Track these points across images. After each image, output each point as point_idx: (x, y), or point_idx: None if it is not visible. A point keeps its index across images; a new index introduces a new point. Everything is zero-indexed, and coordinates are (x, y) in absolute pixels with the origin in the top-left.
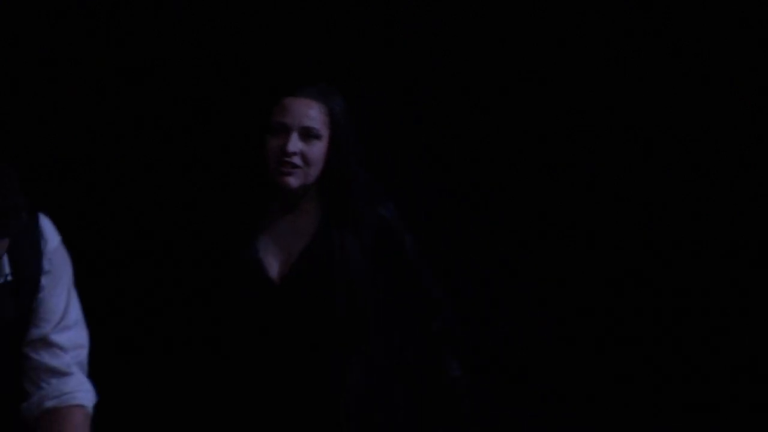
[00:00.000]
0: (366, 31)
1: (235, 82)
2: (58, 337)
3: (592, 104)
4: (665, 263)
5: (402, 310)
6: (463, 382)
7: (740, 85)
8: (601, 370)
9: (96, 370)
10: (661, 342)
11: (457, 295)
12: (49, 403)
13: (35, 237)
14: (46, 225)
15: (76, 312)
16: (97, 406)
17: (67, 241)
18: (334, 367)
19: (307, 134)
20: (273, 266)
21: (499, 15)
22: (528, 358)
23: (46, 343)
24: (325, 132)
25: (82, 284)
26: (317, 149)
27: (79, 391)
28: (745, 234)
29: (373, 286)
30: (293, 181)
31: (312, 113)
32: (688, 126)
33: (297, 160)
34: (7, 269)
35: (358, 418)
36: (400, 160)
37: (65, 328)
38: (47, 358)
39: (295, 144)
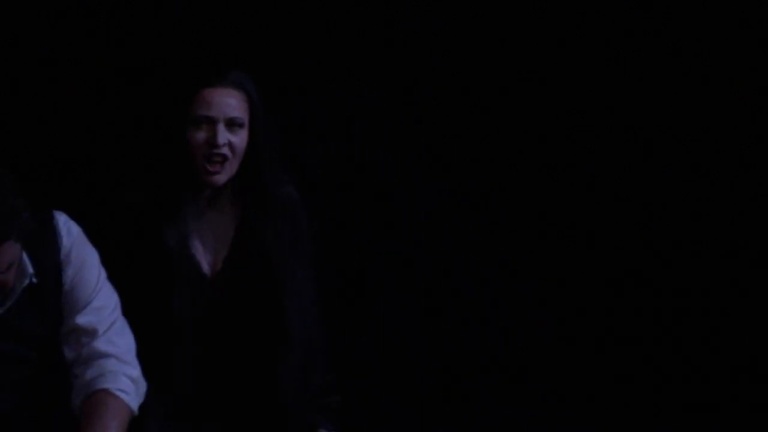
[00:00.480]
0: (365, 30)
1: (151, 74)
2: (84, 322)
3: (591, 104)
4: (665, 263)
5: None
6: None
7: (740, 85)
8: (601, 370)
9: None
10: (661, 342)
11: (457, 295)
12: (81, 395)
13: (52, 234)
14: (62, 221)
15: (105, 298)
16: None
17: None
18: (269, 360)
19: (232, 124)
20: (204, 261)
21: (499, 15)
22: (528, 358)
23: (77, 332)
24: (246, 120)
25: None
26: (242, 138)
27: (107, 374)
28: (746, 234)
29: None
30: (222, 177)
31: (234, 102)
32: (688, 126)
33: (226, 151)
34: (30, 269)
35: (295, 411)
36: (400, 160)
37: (92, 312)
38: (78, 347)
39: (223, 135)
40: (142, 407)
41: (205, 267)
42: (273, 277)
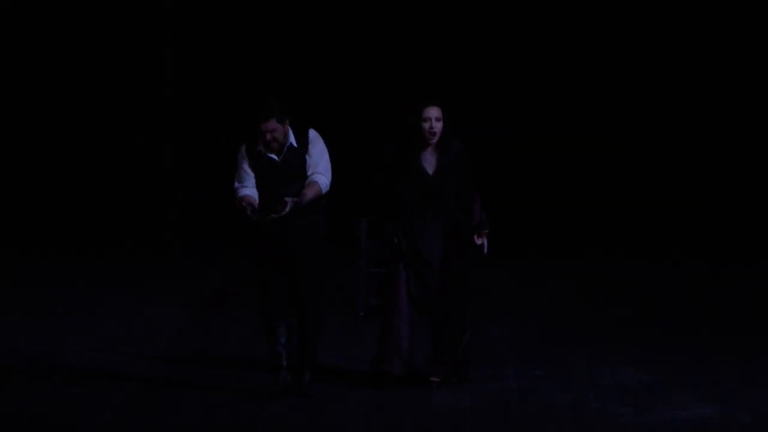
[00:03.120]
0: None
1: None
2: (312, 168)
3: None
4: None
5: None
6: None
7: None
8: None
9: None
10: None
11: None
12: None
13: (305, 133)
14: (311, 130)
15: (324, 165)
16: None
17: None
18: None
19: (438, 120)
20: (429, 169)
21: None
22: None
23: (308, 168)
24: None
25: None
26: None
27: (317, 177)
28: None
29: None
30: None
31: (437, 112)
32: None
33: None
34: (292, 140)
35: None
36: None
37: (315, 166)
38: (310, 173)
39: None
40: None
41: (430, 171)
42: (451, 174)
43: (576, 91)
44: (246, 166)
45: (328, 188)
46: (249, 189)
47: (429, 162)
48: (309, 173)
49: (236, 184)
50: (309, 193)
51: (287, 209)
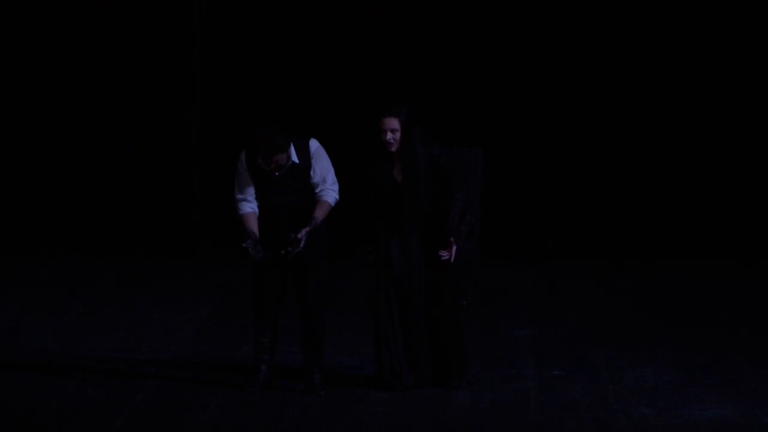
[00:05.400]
0: None
1: None
2: (320, 185)
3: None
4: None
5: None
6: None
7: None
8: None
9: None
10: None
11: None
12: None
13: (306, 146)
14: (312, 142)
15: (331, 179)
16: None
17: None
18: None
19: (393, 130)
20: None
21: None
22: None
23: (316, 185)
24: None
25: None
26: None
27: (327, 195)
28: None
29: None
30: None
31: (395, 123)
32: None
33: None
34: (294, 157)
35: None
36: None
37: (323, 182)
38: (314, 187)
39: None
40: None
41: (399, 179)
42: (421, 182)
43: (600, 89)
44: (246, 177)
45: (337, 199)
46: (250, 204)
47: (398, 171)
48: (317, 190)
49: (237, 195)
50: (320, 215)
51: (302, 245)
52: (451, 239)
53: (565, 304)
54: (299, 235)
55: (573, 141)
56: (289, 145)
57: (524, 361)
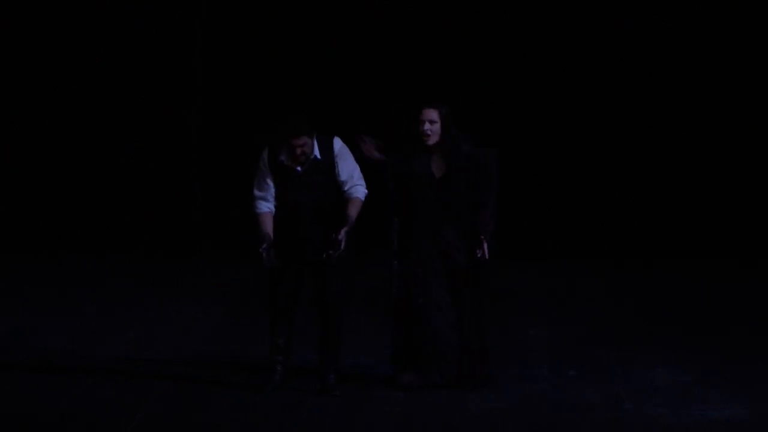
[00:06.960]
0: None
1: None
2: (348, 182)
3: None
4: None
5: None
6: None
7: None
8: None
9: None
10: None
11: None
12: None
13: (330, 143)
14: (337, 140)
15: (357, 174)
16: None
17: None
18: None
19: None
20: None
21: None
22: None
23: (344, 183)
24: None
25: None
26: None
27: (356, 191)
28: None
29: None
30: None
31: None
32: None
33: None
34: (317, 154)
35: None
36: None
37: (350, 179)
38: (342, 185)
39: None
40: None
41: (437, 175)
42: (461, 178)
43: (609, 90)
44: (267, 175)
45: (366, 193)
46: (268, 204)
47: (437, 166)
48: (345, 188)
49: (257, 193)
50: (354, 212)
51: (342, 245)
52: (482, 237)
53: (570, 304)
54: (339, 236)
55: (573, 141)
56: (314, 134)
57: (539, 362)
